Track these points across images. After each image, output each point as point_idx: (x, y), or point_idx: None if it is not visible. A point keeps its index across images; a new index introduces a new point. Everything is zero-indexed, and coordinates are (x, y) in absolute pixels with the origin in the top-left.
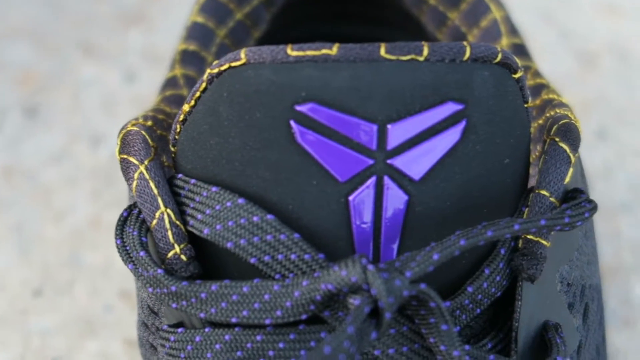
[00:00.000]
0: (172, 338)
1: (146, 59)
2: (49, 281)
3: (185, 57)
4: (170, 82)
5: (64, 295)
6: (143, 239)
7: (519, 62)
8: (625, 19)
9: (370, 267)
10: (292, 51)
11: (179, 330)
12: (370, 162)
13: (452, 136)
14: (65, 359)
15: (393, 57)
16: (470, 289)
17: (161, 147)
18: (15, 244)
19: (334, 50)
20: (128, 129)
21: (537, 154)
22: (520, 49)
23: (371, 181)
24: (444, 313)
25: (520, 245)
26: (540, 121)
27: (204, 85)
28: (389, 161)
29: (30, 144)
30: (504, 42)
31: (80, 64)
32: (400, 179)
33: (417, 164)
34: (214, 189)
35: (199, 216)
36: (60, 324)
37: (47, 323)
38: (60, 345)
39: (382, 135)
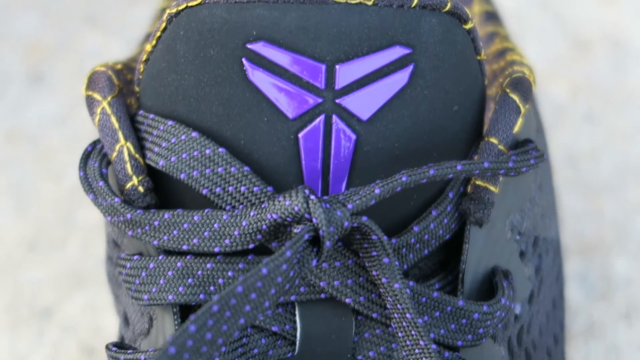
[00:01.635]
0: (127, 265)
1: None
2: (43, 237)
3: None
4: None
5: (57, 250)
6: (103, 170)
7: (469, 13)
8: (619, 8)
9: (313, 197)
10: None
11: (135, 257)
12: (319, 100)
13: (400, 79)
14: (54, 310)
15: (342, 0)
16: (416, 229)
17: (129, 90)
18: (13, 202)
19: None
20: (95, 69)
21: None
22: (492, 16)
23: (320, 119)
24: (385, 246)
25: (469, 190)
26: (501, 79)
27: (164, 25)
28: (337, 100)
29: (34, 110)
30: (476, 8)
31: (84, 35)
32: (349, 118)
33: (365, 104)
34: (169, 122)
35: (156, 149)
36: (51, 277)
37: (39, 275)
38: (51, 296)
39: (331, 75)
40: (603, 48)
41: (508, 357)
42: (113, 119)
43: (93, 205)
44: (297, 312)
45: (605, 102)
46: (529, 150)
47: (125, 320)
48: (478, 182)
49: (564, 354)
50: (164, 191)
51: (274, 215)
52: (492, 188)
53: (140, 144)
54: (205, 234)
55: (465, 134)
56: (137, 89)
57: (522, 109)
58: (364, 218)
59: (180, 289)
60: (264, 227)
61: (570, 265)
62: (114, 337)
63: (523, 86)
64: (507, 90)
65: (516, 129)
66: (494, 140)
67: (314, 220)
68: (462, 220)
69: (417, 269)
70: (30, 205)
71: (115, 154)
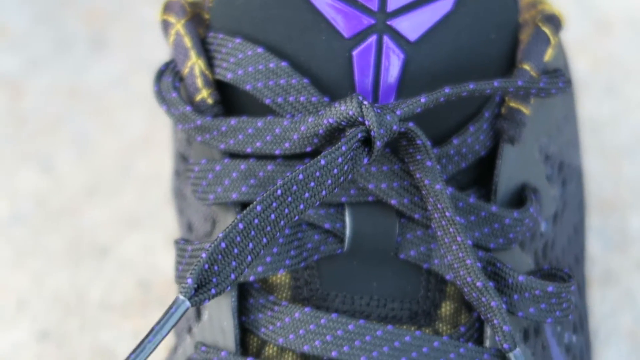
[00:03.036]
0: (196, 169)
1: None
2: (103, 184)
3: None
4: None
5: (115, 196)
6: (176, 84)
7: None
8: None
9: (365, 102)
10: None
11: (202, 161)
12: (372, 21)
13: (445, 5)
14: (112, 248)
15: None
16: (455, 141)
17: (199, 20)
18: (76, 152)
19: None
20: None
21: None
22: None
23: (372, 38)
24: (428, 150)
25: (503, 111)
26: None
27: None
28: (388, 22)
29: (95, 71)
30: None
31: (142, 5)
32: (398, 39)
33: (413, 27)
34: (237, 40)
35: (224, 64)
36: (110, 220)
37: (98, 218)
38: (109, 236)
39: None
40: (623, 28)
41: (534, 267)
42: (186, 39)
43: (149, 158)
44: (346, 213)
45: (625, 76)
46: (558, 75)
47: (189, 229)
48: (512, 104)
49: (584, 274)
50: (230, 103)
51: (330, 120)
52: (524, 110)
53: (210, 63)
54: (268, 137)
55: (501, 60)
56: (206, 16)
57: (552, 40)
58: (411, 124)
59: (243, 188)
60: (321, 131)
61: (589, 221)
62: (169, 273)
63: (553, 21)
64: (539, 24)
65: (547, 57)
66: (526, 66)
67: (366, 122)
68: (496, 140)
69: (454, 181)
70: (91, 155)
71: (187, 70)
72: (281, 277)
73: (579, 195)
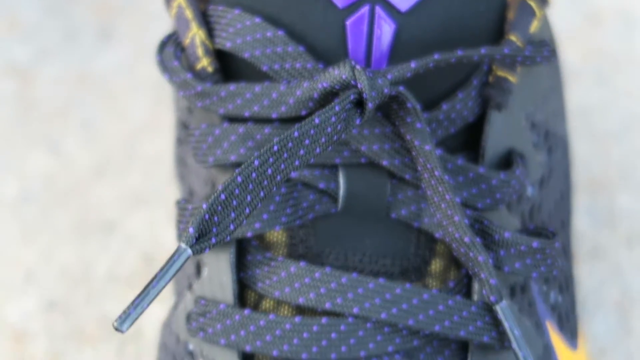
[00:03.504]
0: (196, 133)
1: None
2: (110, 165)
3: None
4: None
5: (121, 176)
6: (178, 53)
7: None
8: None
9: (358, 67)
10: None
11: (203, 125)
12: None
13: None
14: (118, 224)
15: None
16: (445, 107)
17: None
18: (84, 135)
19: None
20: None
21: None
22: None
23: (365, 9)
24: (418, 113)
25: (490, 79)
26: None
27: None
28: None
29: (102, 59)
30: None
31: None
32: (390, 9)
33: None
34: (236, 11)
35: (224, 34)
36: (116, 198)
37: (105, 196)
38: (115, 213)
39: None
40: (613, 21)
41: (520, 228)
42: (188, 11)
43: (153, 141)
44: (340, 174)
45: (614, 66)
46: (543, 45)
47: (190, 194)
48: (499, 72)
49: (569, 238)
50: (229, 71)
51: (325, 84)
52: (511, 78)
53: (210, 34)
54: (265, 102)
55: (488, 33)
56: None
57: (538, 13)
58: (401, 87)
59: (242, 150)
60: (316, 95)
61: (578, 199)
62: (172, 248)
63: None
64: None
65: (532, 29)
66: (513, 37)
67: (359, 85)
68: (484, 107)
69: (444, 146)
70: (97, 138)
71: (188, 40)
72: (277, 235)
73: (565, 164)
